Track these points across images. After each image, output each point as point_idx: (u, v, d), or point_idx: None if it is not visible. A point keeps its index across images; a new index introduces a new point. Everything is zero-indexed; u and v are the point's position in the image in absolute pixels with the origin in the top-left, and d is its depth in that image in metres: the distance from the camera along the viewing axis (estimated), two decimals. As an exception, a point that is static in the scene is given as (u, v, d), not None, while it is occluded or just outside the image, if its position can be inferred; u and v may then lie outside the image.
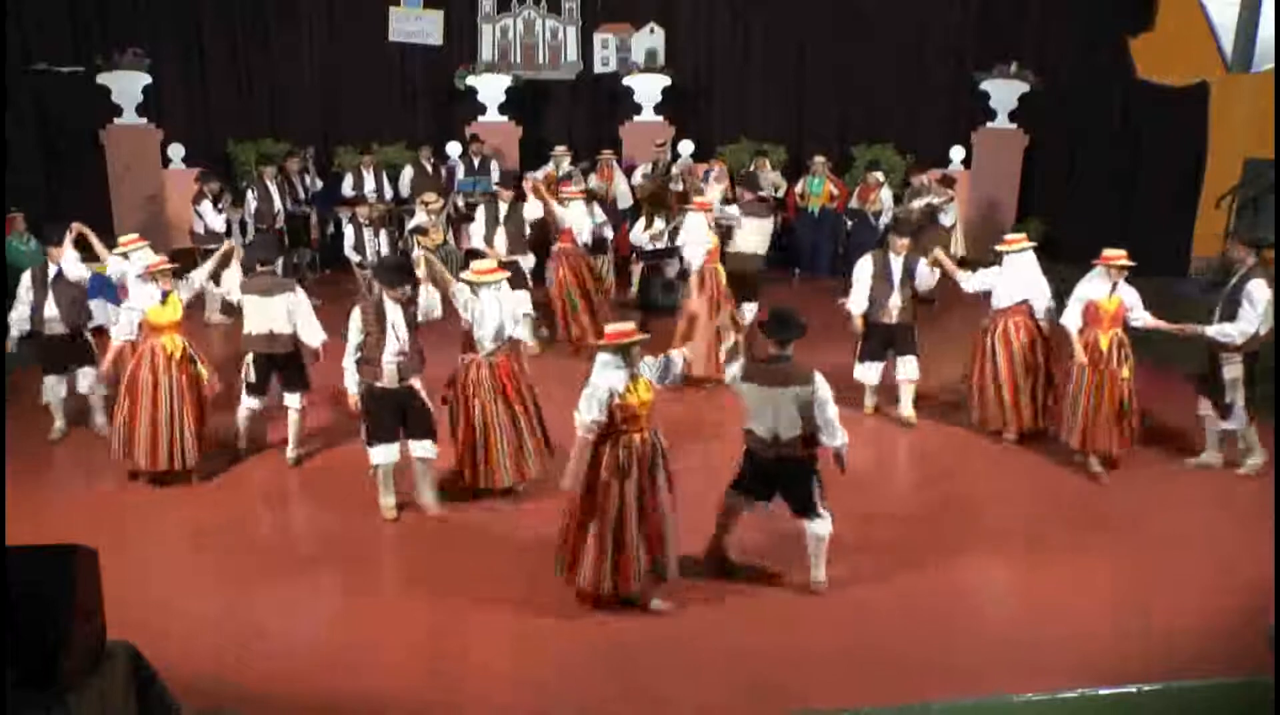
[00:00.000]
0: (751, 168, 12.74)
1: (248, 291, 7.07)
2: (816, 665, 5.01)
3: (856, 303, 7.85)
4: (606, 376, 5.07)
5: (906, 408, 7.97)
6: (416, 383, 6.25)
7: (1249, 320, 6.69)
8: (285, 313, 6.96)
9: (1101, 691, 4.77)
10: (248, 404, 7.19)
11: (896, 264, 7.74)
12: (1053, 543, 6.23)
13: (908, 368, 7.91)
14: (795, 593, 5.59)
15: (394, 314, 6.07)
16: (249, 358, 7.09)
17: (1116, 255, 6.86)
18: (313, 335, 7.08)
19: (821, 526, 5.47)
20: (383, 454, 6.24)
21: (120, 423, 6.65)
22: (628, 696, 4.74)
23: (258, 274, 7.18)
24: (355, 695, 4.73)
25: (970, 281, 7.72)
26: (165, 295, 6.69)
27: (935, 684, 4.84)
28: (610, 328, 5.22)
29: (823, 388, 5.23)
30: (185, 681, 4.13)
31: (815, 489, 5.44)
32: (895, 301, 7.74)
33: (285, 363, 7.08)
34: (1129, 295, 6.93)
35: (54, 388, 7.51)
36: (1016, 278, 7.55)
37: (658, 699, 4.74)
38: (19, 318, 7.34)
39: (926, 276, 7.81)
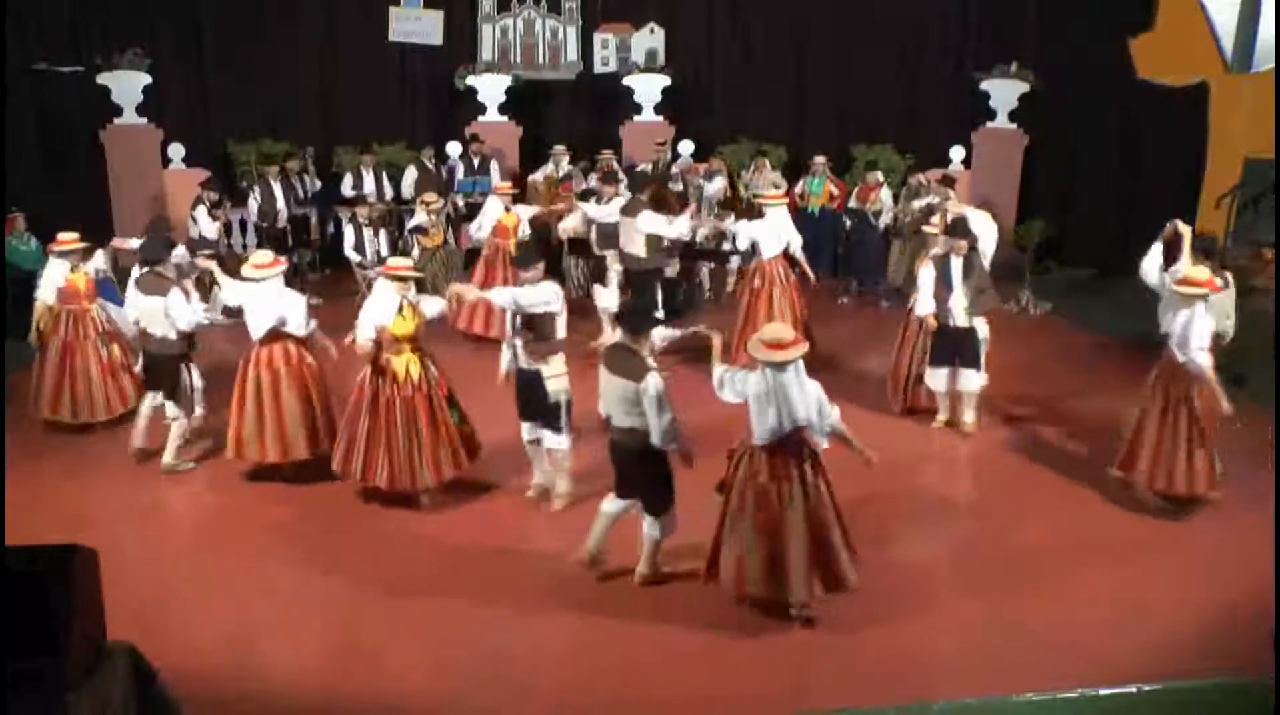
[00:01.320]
0: (752, 168, 12.74)
1: (137, 289, 7.05)
2: (817, 664, 5.01)
3: (923, 306, 7.73)
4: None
5: (968, 414, 7.88)
6: (546, 368, 6.14)
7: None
8: (162, 314, 6.81)
9: (1101, 691, 4.77)
10: (148, 401, 7.19)
11: (956, 265, 7.60)
12: (1051, 543, 6.23)
13: (969, 380, 7.78)
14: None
15: None
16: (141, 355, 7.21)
17: (1210, 277, 6.39)
18: (180, 319, 6.79)
19: (653, 528, 5.43)
20: (523, 430, 6.38)
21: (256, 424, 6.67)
22: (628, 697, 4.75)
23: (146, 274, 7.04)
24: (354, 696, 4.73)
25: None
26: None
27: (935, 684, 4.84)
28: (773, 338, 5.01)
29: (651, 389, 5.08)
30: (185, 681, 4.13)
31: (650, 486, 5.34)
32: (958, 302, 7.60)
33: (159, 365, 6.96)
34: None
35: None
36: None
37: (657, 698, 4.74)
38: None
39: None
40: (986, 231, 7.78)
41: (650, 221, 8.98)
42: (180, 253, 7.85)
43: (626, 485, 5.47)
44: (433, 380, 6.40)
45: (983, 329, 7.70)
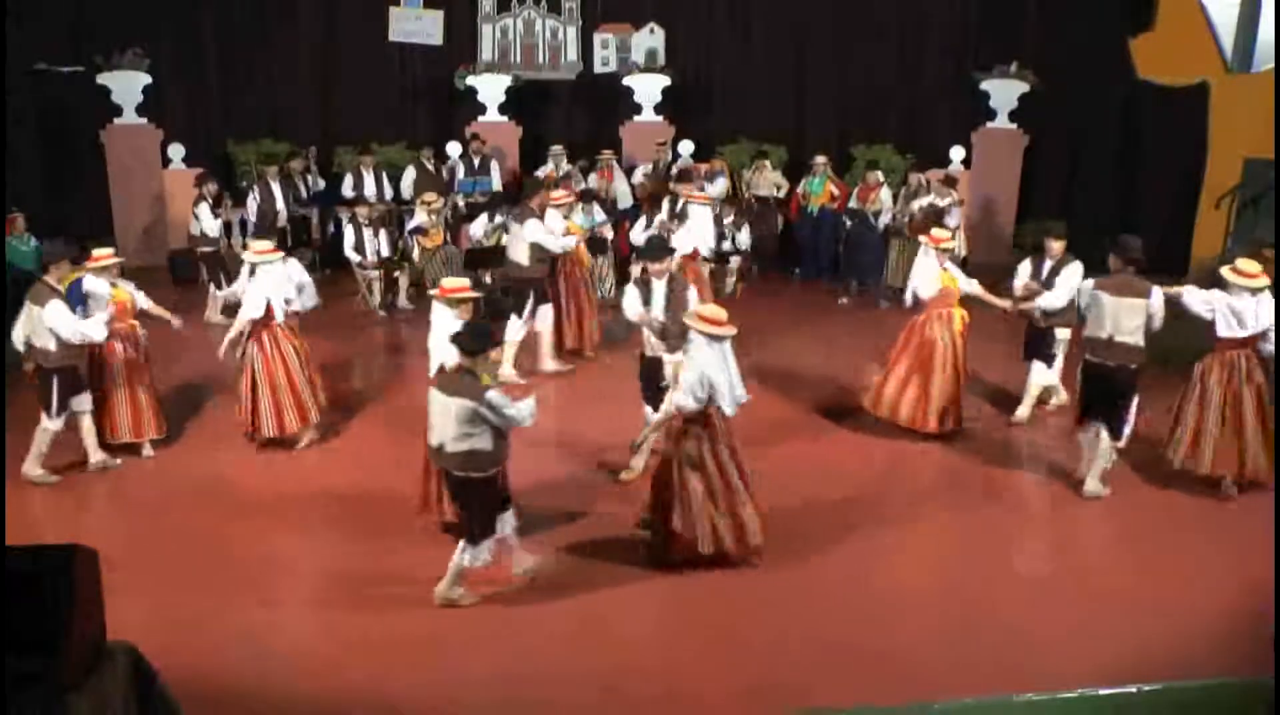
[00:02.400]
0: (753, 168, 12.76)
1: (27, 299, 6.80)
2: (816, 663, 5.01)
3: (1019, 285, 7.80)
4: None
5: (1024, 409, 8.05)
6: (667, 356, 6.53)
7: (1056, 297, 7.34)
8: (43, 324, 6.67)
9: (1101, 691, 4.77)
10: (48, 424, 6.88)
11: (1047, 269, 7.70)
12: (1052, 543, 6.24)
13: (1037, 374, 7.98)
14: (793, 593, 5.59)
15: (657, 289, 6.66)
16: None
17: (1261, 268, 6.61)
18: (61, 329, 6.67)
19: (463, 555, 5.35)
20: (648, 413, 6.74)
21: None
22: (628, 695, 4.75)
23: (37, 284, 6.85)
24: (354, 695, 4.74)
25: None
26: None
27: (936, 684, 4.84)
28: (714, 315, 5.55)
29: (494, 397, 5.10)
30: (185, 681, 4.13)
31: (479, 512, 5.34)
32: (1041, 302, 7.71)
33: (48, 376, 6.81)
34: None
35: None
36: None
37: (656, 697, 4.74)
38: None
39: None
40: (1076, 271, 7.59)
41: (535, 230, 8.84)
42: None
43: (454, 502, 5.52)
44: None
45: (1062, 332, 7.77)
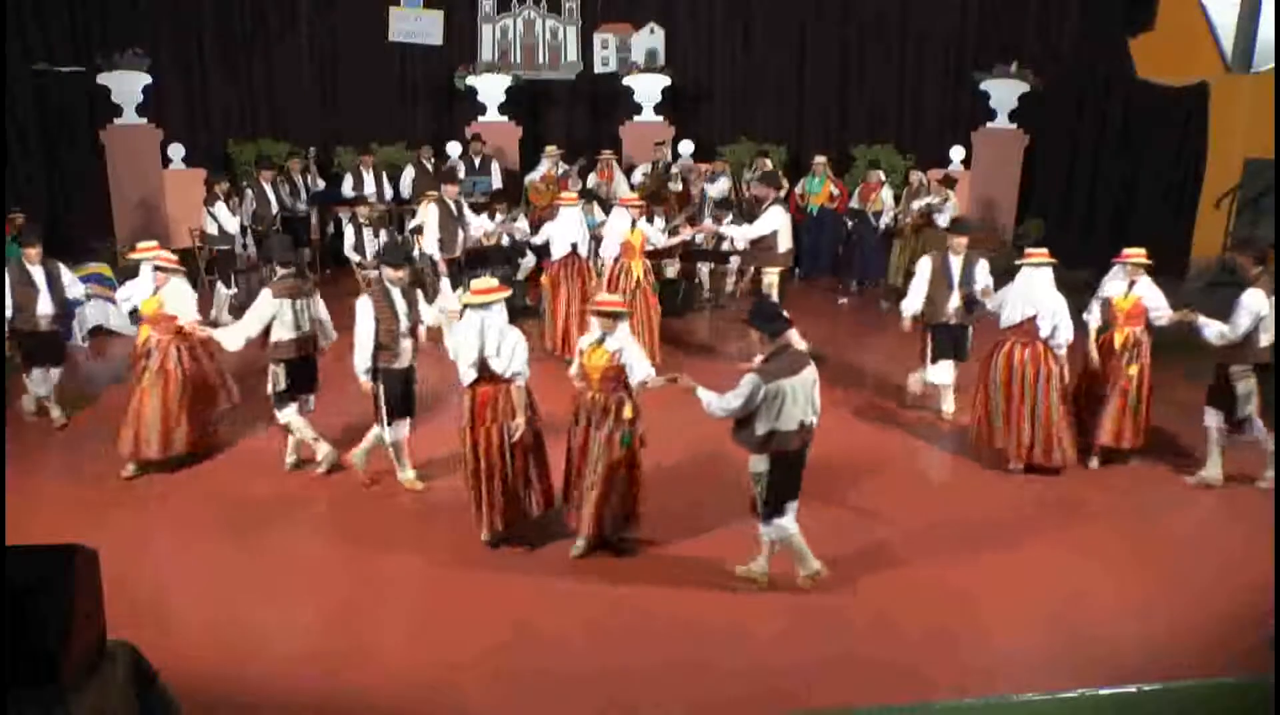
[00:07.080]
0: (755, 168, 12.77)
1: (280, 295, 6.72)
2: (816, 664, 5.01)
3: (911, 305, 7.79)
4: None
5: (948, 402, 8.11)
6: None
7: (1233, 327, 6.55)
8: (311, 316, 6.89)
9: (1101, 691, 4.77)
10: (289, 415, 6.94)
11: (955, 264, 7.71)
12: (1052, 544, 6.23)
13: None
14: (794, 592, 5.59)
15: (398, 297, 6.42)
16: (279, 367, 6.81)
17: (1134, 253, 7.02)
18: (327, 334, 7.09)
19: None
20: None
21: None
22: (624, 697, 4.75)
23: (283, 277, 6.88)
24: (353, 695, 4.73)
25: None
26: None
27: (935, 684, 4.84)
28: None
29: None
30: (185, 681, 4.13)
31: None
32: (955, 302, 7.71)
33: (306, 366, 6.96)
34: (1149, 294, 6.98)
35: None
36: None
37: (654, 698, 4.74)
38: None
39: (984, 277, 7.75)
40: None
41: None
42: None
43: None
44: None
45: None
